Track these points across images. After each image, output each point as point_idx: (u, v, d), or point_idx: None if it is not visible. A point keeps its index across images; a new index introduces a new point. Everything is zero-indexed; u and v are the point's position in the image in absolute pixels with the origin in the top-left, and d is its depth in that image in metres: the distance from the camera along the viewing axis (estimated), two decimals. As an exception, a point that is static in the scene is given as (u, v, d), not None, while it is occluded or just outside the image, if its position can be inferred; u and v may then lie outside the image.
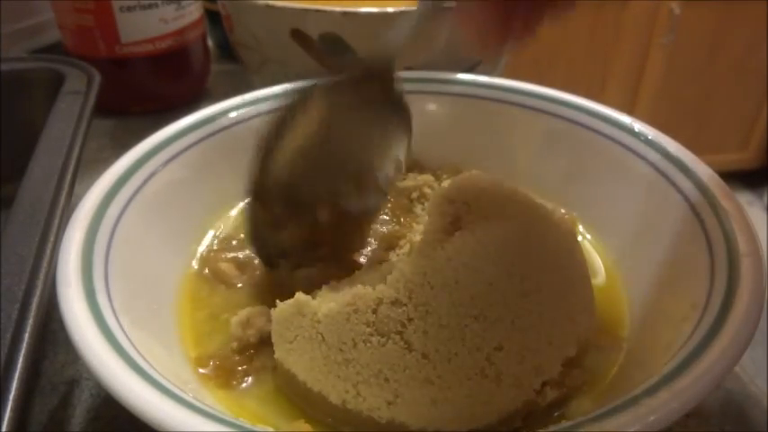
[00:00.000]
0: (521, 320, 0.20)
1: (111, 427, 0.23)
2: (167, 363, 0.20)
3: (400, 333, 0.20)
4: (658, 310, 0.23)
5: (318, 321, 0.21)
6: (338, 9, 0.32)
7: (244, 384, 0.22)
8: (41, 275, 0.21)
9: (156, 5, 0.41)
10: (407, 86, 0.31)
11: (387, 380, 0.19)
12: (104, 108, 0.38)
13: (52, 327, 0.27)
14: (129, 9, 0.40)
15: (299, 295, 0.22)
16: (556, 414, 0.20)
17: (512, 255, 0.20)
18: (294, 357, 0.21)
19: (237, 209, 0.30)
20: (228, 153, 0.28)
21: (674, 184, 0.24)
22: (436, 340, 0.19)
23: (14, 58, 0.36)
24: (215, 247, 0.28)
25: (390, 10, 0.32)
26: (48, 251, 0.22)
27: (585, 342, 0.21)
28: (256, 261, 0.26)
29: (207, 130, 0.29)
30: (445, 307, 0.19)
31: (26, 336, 0.19)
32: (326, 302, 0.21)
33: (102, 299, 0.20)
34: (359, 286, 0.21)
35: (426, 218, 0.22)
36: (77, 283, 0.20)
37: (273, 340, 0.22)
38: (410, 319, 0.20)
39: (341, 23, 0.33)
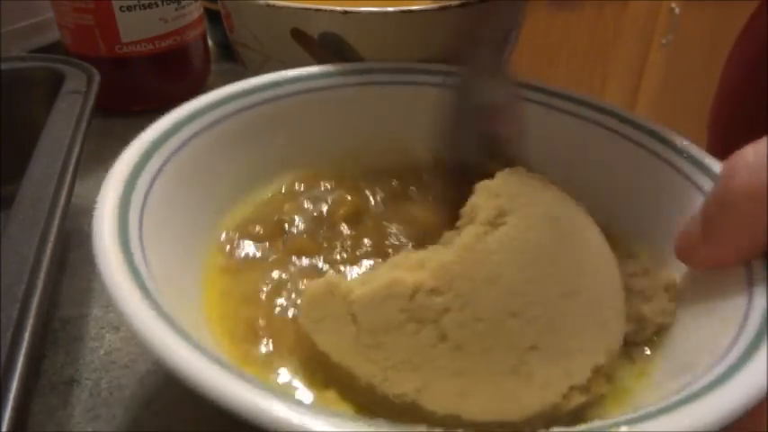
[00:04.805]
0: (557, 322, 0.19)
1: (111, 426, 0.23)
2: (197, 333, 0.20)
3: (436, 322, 0.19)
4: (691, 325, 0.22)
5: (351, 302, 0.20)
6: (339, 8, 0.32)
7: (269, 358, 0.22)
8: (41, 275, 0.21)
9: (156, 5, 0.41)
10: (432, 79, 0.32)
11: (417, 367, 0.19)
12: (104, 108, 0.39)
13: (52, 327, 0.27)
14: (129, 8, 0.40)
15: (331, 275, 0.22)
16: (579, 420, 0.20)
17: (554, 255, 0.20)
18: (322, 336, 0.21)
19: (269, 182, 0.30)
20: (264, 128, 0.29)
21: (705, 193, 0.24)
22: (472, 333, 0.19)
23: (14, 57, 0.36)
24: (237, 231, 0.27)
25: (391, 9, 0.32)
26: (48, 251, 0.22)
27: (615, 352, 0.21)
28: (291, 229, 0.27)
29: (247, 102, 0.29)
30: (484, 301, 0.19)
31: (26, 336, 0.19)
32: (360, 284, 0.21)
33: (139, 262, 0.19)
34: (396, 271, 0.21)
35: (470, 208, 0.22)
36: (114, 243, 0.19)
37: (301, 319, 0.21)
38: (447, 310, 0.19)
39: (341, 23, 0.33)
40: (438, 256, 0.20)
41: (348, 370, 0.20)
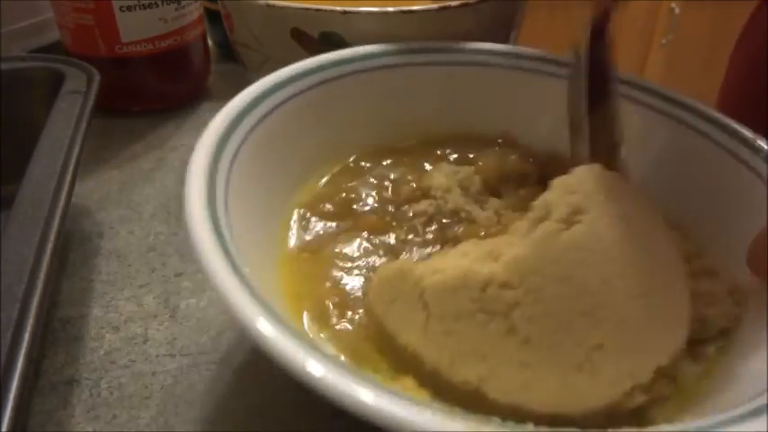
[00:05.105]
0: (626, 322, 0.20)
1: (111, 426, 0.23)
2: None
3: (506, 315, 0.20)
4: (758, 331, 0.22)
5: (422, 288, 0.21)
6: (339, 8, 0.32)
7: (343, 337, 0.22)
8: (41, 275, 0.21)
9: (156, 5, 0.41)
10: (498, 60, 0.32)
11: (483, 357, 0.19)
12: (104, 108, 0.38)
13: (52, 327, 0.27)
14: (129, 8, 0.40)
15: (404, 261, 0.22)
16: (639, 419, 0.20)
17: (627, 256, 0.20)
18: (391, 318, 0.21)
19: (337, 158, 0.30)
20: (340, 102, 0.29)
21: None
22: (540, 328, 0.19)
23: (14, 57, 0.36)
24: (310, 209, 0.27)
25: (390, 9, 0.32)
26: (48, 251, 0.22)
27: (679, 353, 0.21)
28: (360, 207, 0.27)
29: (331, 74, 0.29)
30: (555, 298, 0.19)
31: (26, 336, 0.19)
32: (432, 272, 0.21)
33: (227, 240, 0.19)
34: (467, 261, 0.21)
35: (543, 204, 0.22)
36: (206, 226, 0.19)
37: (371, 300, 0.22)
38: (518, 304, 0.20)
39: (341, 23, 0.33)
40: (511, 249, 0.21)
41: (415, 353, 0.20)
